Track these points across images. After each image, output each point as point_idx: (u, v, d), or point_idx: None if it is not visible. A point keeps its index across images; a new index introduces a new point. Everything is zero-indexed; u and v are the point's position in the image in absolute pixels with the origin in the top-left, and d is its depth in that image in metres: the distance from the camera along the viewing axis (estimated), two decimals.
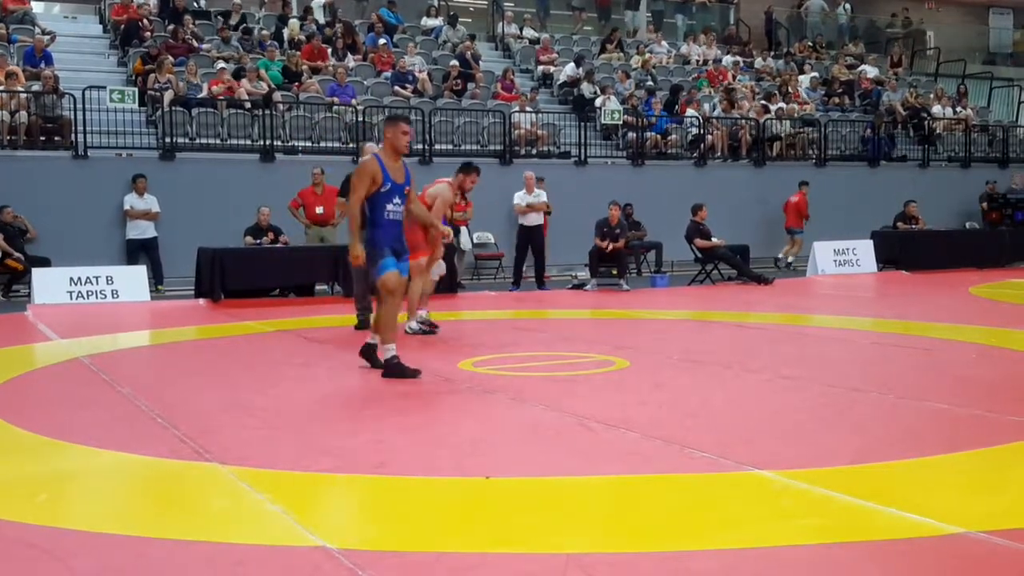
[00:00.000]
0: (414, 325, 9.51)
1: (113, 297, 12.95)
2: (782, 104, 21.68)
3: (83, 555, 3.72)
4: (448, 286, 13.88)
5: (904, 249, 17.71)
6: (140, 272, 13.62)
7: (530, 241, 14.88)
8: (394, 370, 7.21)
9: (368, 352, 7.58)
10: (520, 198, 15.00)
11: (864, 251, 17.48)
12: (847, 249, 17.41)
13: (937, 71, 27.19)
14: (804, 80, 23.64)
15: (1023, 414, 5.88)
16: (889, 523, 3.95)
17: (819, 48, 26.39)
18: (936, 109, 23.57)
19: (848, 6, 28.24)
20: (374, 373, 7.62)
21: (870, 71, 24.76)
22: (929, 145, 22.68)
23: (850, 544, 3.74)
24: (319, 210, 14.53)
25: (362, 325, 9.65)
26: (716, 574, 3.50)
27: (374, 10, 21.87)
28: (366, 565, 3.52)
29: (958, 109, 24.06)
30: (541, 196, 15.10)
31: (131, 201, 14.88)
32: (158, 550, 3.75)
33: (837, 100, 23.55)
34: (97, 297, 12.89)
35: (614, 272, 14.79)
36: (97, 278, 13.03)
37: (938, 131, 23.16)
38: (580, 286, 14.67)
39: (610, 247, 14.43)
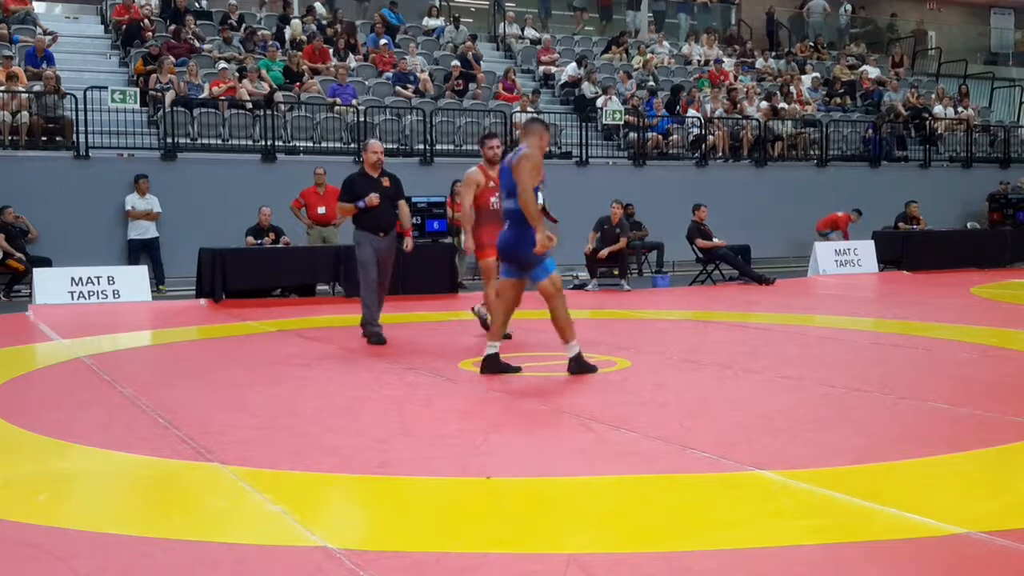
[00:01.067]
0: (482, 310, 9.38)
1: (114, 297, 12.96)
2: (784, 104, 21.68)
3: (84, 555, 3.72)
4: (449, 286, 13.91)
5: (905, 249, 17.71)
6: (141, 272, 13.63)
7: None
8: (494, 365, 7.27)
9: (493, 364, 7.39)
10: None
11: (865, 251, 17.48)
12: (848, 249, 17.42)
13: (939, 71, 27.20)
14: (806, 80, 23.64)
15: (1023, 415, 5.87)
16: (890, 523, 3.95)
17: (820, 48, 26.38)
18: (937, 109, 23.58)
19: (849, 6, 28.25)
20: (376, 373, 7.63)
21: (872, 71, 24.77)
22: (930, 145, 22.69)
23: (850, 544, 3.74)
24: (321, 210, 14.54)
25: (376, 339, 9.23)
26: (716, 574, 3.50)
27: (375, 10, 21.89)
28: (367, 565, 3.53)
29: (959, 109, 24.07)
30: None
31: (132, 201, 14.90)
32: (159, 550, 3.76)
33: (839, 100, 23.56)
34: (98, 297, 12.90)
35: (615, 272, 14.80)
36: (98, 278, 13.04)
37: (939, 131, 23.15)
38: (581, 286, 14.68)
39: (606, 253, 14.41)
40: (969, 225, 20.65)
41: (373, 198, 9.12)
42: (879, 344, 9.31)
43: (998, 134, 24.17)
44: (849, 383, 7.05)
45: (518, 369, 7.41)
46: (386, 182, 9.27)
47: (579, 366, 7.30)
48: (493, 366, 7.32)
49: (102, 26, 20.05)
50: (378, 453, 5.14)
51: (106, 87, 15.66)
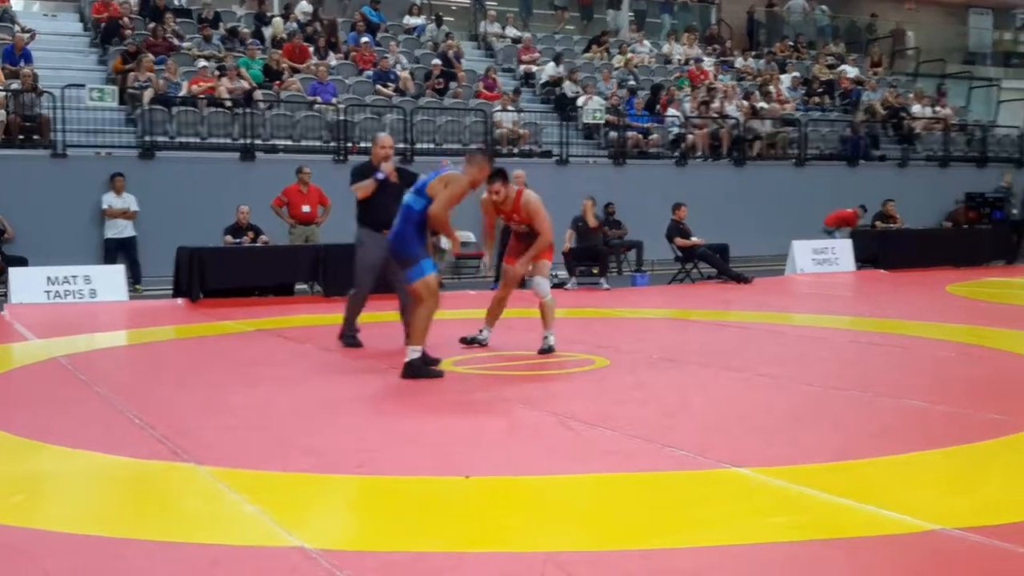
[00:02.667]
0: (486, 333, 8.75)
1: (91, 297, 12.87)
2: (763, 104, 21.75)
3: (58, 556, 3.69)
4: None
5: (882, 248, 17.81)
6: (118, 271, 13.53)
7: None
8: (415, 371, 7.16)
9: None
10: None
11: (843, 250, 17.56)
12: (826, 248, 17.49)
13: (917, 71, 27.37)
14: (785, 80, 23.73)
15: (999, 412, 5.92)
16: (866, 520, 3.97)
17: (800, 48, 26.49)
18: (916, 109, 23.72)
19: (825, 7, 28.38)
20: (354, 373, 7.62)
21: (850, 71, 24.88)
22: (908, 144, 22.82)
23: (827, 541, 3.76)
24: (305, 208, 14.46)
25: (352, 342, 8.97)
26: (694, 572, 3.52)
27: (356, 8, 21.83)
28: (344, 565, 3.52)
29: (937, 109, 24.21)
30: None
31: (109, 200, 14.79)
32: (134, 551, 3.73)
33: (817, 100, 23.65)
34: (74, 297, 12.81)
35: (595, 271, 14.81)
36: (75, 277, 12.94)
37: (917, 131, 23.29)
38: (560, 285, 14.68)
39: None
40: (945, 224, 20.79)
41: (388, 166, 8.65)
42: (856, 342, 9.36)
43: (975, 133, 24.34)
44: (826, 381, 7.08)
45: (440, 374, 7.26)
46: (394, 177, 8.72)
47: (413, 371, 7.15)
48: (415, 371, 7.17)
49: (81, 24, 19.89)
50: (356, 453, 5.13)
51: (84, 85, 15.54)
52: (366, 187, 8.63)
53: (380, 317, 9.81)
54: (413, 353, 7.22)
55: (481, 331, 8.71)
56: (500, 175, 8.30)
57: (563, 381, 7.39)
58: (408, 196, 7.44)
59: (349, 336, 8.93)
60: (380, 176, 8.61)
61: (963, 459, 4.96)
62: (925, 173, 22.36)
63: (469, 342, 8.69)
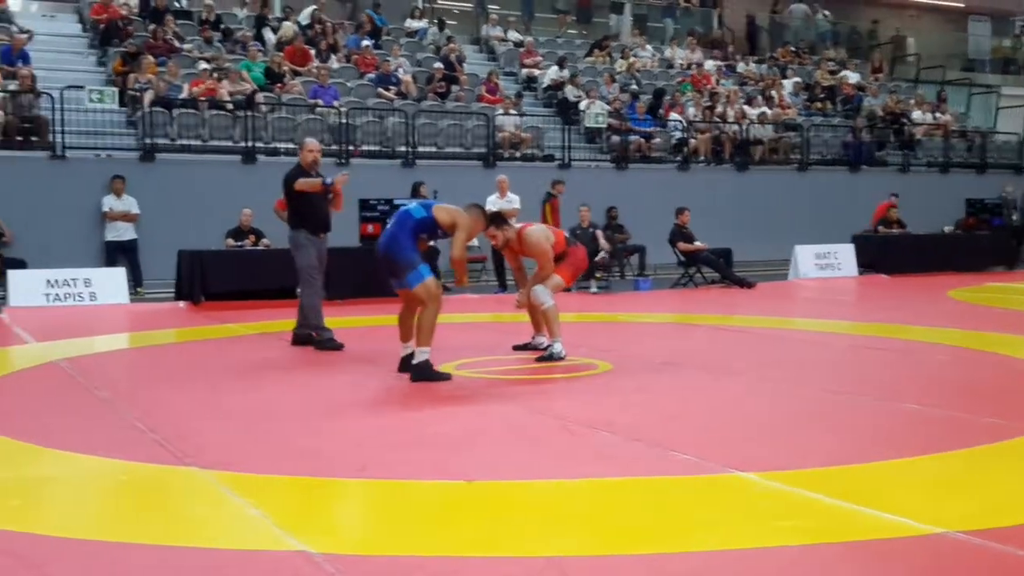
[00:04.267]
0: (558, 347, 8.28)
1: (91, 300, 12.85)
2: (765, 108, 21.76)
3: (59, 561, 3.68)
4: None
5: (884, 253, 17.81)
6: (119, 274, 13.51)
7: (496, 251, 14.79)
8: (424, 373, 7.18)
9: (408, 365, 7.45)
10: (492, 203, 14.72)
11: (845, 255, 17.57)
12: (828, 253, 17.49)
13: (917, 77, 27.38)
14: (787, 85, 23.74)
15: (999, 416, 5.92)
16: (867, 523, 3.96)
17: (801, 53, 26.51)
18: (916, 115, 23.73)
19: (826, 12, 28.39)
20: (355, 376, 7.61)
21: (852, 76, 24.89)
22: (909, 150, 22.83)
23: (828, 544, 3.75)
24: None
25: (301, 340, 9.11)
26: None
27: (359, 11, 21.84)
28: (347, 570, 3.51)
29: (937, 115, 24.22)
30: (514, 201, 14.99)
31: (109, 203, 14.78)
32: (136, 555, 3.72)
33: (819, 105, 23.66)
34: (74, 300, 12.79)
35: (596, 276, 14.81)
36: (75, 280, 12.92)
37: (918, 136, 23.30)
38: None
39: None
40: (946, 229, 20.77)
41: (342, 177, 9.00)
42: (857, 347, 9.35)
43: (975, 140, 24.34)
44: (827, 385, 7.08)
45: (448, 376, 7.28)
46: (340, 186, 9.13)
47: (422, 373, 7.18)
48: (424, 374, 7.19)
49: (80, 25, 19.89)
50: (358, 456, 5.12)
51: (83, 86, 15.53)
52: (314, 184, 8.85)
53: (374, 321, 9.80)
54: (421, 355, 7.23)
55: (534, 337, 8.70)
56: (492, 221, 8.36)
57: (565, 385, 7.38)
58: (408, 204, 7.53)
59: (327, 339, 8.98)
60: (328, 182, 8.86)
61: (964, 462, 4.96)
62: (926, 179, 22.37)
63: (523, 347, 8.72)
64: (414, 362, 7.28)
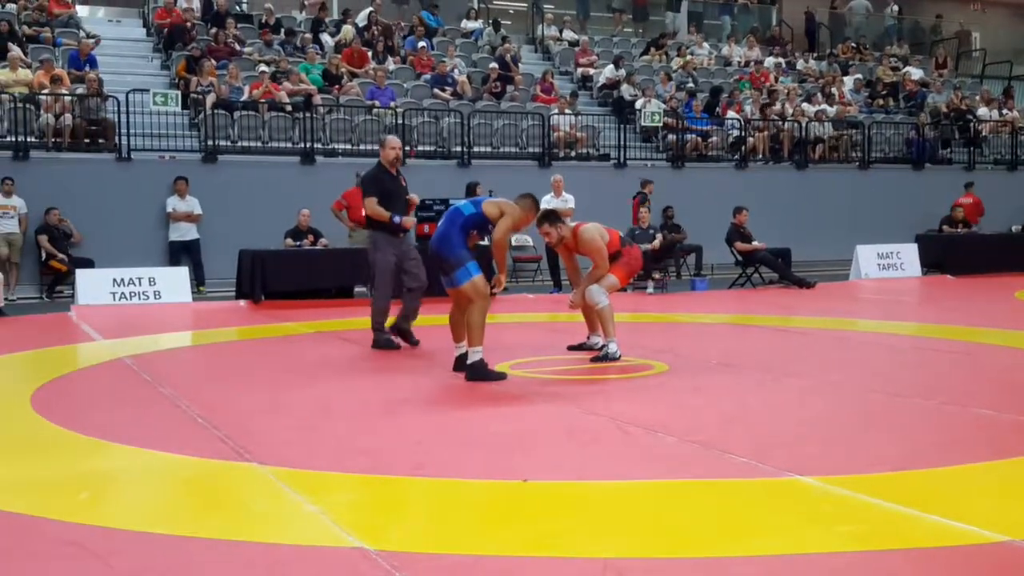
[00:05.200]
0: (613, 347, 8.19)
1: (155, 298, 13.09)
2: (825, 106, 21.48)
3: (122, 553, 3.75)
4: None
5: (949, 253, 17.48)
6: (182, 273, 13.75)
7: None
8: (479, 372, 7.22)
9: (462, 364, 7.52)
10: (547, 202, 14.69)
11: (908, 255, 17.27)
12: (891, 253, 17.21)
13: (983, 72, 26.84)
14: (848, 82, 23.42)
15: None
16: (931, 530, 3.89)
17: (863, 49, 26.13)
18: (982, 111, 23.26)
19: (895, 7, 27.95)
20: (412, 375, 7.66)
21: (915, 72, 24.48)
22: (975, 148, 22.39)
23: (891, 551, 3.68)
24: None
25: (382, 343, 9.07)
26: None
27: (414, 13, 21.97)
28: (403, 566, 3.53)
29: (1004, 111, 23.72)
30: (569, 201, 14.96)
31: (173, 203, 15.05)
32: (196, 549, 3.78)
33: (881, 102, 23.31)
34: (139, 298, 13.03)
35: (653, 276, 14.73)
36: (140, 279, 13.17)
37: (984, 133, 22.84)
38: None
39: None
40: (1014, 228, 20.35)
41: (407, 222, 8.98)
42: (921, 349, 9.20)
43: None
44: (890, 388, 6.96)
45: (503, 376, 7.30)
46: (402, 180, 9.10)
47: (477, 373, 7.20)
48: (479, 373, 7.22)
49: (144, 29, 20.28)
50: (414, 455, 5.15)
51: (148, 90, 15.82)
52: (382, 215, 8.80)
53: (433, 320, 9.84)
54: (475, 355, 7.25)
55: (589, 337, 8.67)
56: (545, 218, 8.30)
57: (621, 385, 7.35)
58: (459, 202, 7.55)
59: (384, 339, 9.01)
60: (396, 220, 8.82)
61: None
62: (992, 177, 21.93)
63: (577, 348, 8.71)
64: (468, 361, 7.30)
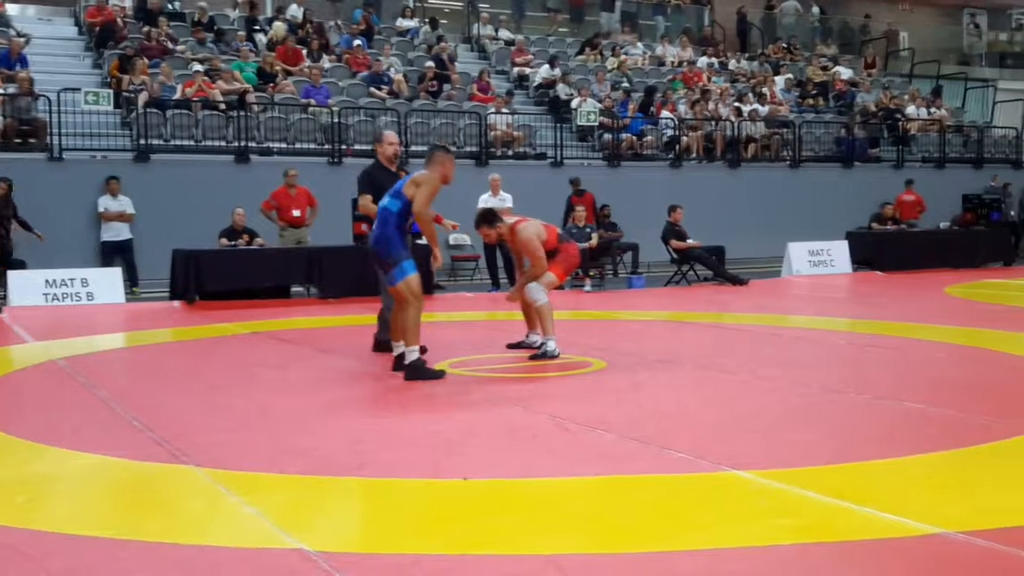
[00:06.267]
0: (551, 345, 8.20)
1: (88, 299, 12.85)
2: (756, 106, 21.77)
3: (58, 556, 3.70)
4: (425, 288, 13.85)
5: (878, 250, 17.82)
6: (115, 274, 13.51)
7: (499, 243, 14.77)
8: (417, 372, 7.19)
9: (401, 363, 7.45)
10: (484, 201, 14.67)
11: (839, 252, 17.57)
12: (822, 250, 17.49)
13: (911, 72, 27.40)
14: (779, 81, 23.76)
15: (997, 415, 5.92)
16: (865, 523, 3.97)
17: (793, 49, 26.53)
18: (910, 110, 23.75)
19: (816, 8, 28.40)
20: (352, 375, 7.62)
21: (844, 72, 24.91)
22: (903, 146, 22.86)
23: (826, 544, 3.76)
24: (295, 212, 14.45)
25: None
26: (692, 574, 3.52)
27: (348, 11, 21.85)
28: (343, 568, 3.52)
29: (932, 110, 24.25)
30: (506, 200, 14.97)
31: (105, 203, 14.79)
32: (133, 552, 3.73)
33: (811, 101, 23.69)
34: (72, 299, 12.78)
35: (591, 274, 14.82)
36: (72, 280, 12.92)
37: (912, 132, 23.33)
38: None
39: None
40: (942, 225, 20.82)
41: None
42: (853, 344, 9.37)
43: (971, 135, 24.38)
44: (824, 383, 7.09)
45: (442, 374, 7.28)
46: (402, 175, 8.58)
47: (415, 372, 7.19)
48: (417, 372, 7.20)
49: (75, 28, 19.89)
50: (355, 455, 5.13)
51: (79, 89, 15.54)
52: (373, 214, 8.38)
53: (370, 320, 9.79)
54: (411, 354, 7.24)
55: (528, 335, 8.67)
56: (483, 218, 8.37)
57: (560, 383, 7.39)
58: (385, 199, 7.48)
59: (383, 340, 8.81)
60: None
61: (962, 462, 4.96)
62: (921, 174, 22.40)
63: (516, 346, 8.69)
64: (405, 361, 7.28)
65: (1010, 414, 5.91)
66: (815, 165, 21.63)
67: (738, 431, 5.66)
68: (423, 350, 7.49)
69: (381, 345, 8.50)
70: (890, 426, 5.76)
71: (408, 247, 7.39)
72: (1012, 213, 22.22)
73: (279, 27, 19.62)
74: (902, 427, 5.74)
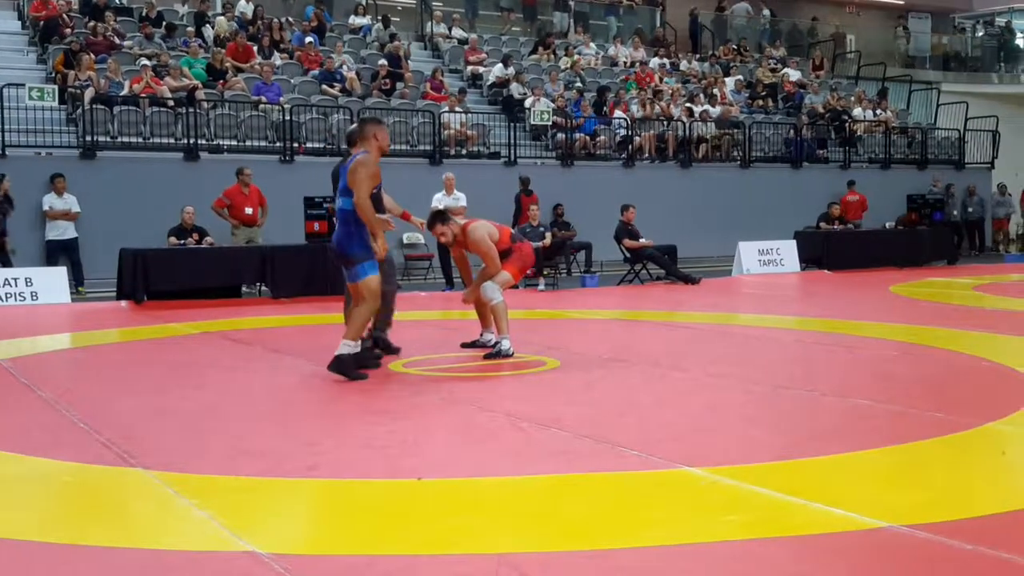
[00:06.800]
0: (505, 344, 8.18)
1: (32, 299, 12.65)
2: (707, 106, 21.95)
3: (4, 564, 3.62)
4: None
5: (827, 249, 18.08)
6: (60, 273, 13.31)
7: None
8: (343, 366, 7.14)
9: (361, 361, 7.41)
10: (438, 200, 14.65)
11: (787, 251, 17.80)
12: (771, 249, 17.70)
13: (858, 74, 27.78)
14: (729, 83, 23.97)
15: (943, 410, 6.03)
16: (813, 517, 4.02)
17: (743, 51, 26.78)
18: (857, 112, 24.09)
19: (767, 11, 28.70)
20: (304, 375, 7.57)
21: (792, 74, 25.19)
22: (850, 147, 23.18)
23: (776, 539, 3.80)
24: (248, 210, 14.33)
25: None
26: (646, 571, 3.54)
27: (300, 8, 21.68)
28: (297, 570, 3.49)
29: (878, 112, 24.61)
30: (460, 199, 14.96)
31: (50, 201, 14.53)
32: (81, 557, 3.68)
33: (761, 102, 23.93)
34: (16, 299, 12.57)
35: (544, 273, 14.86)
36: (16, 280, 12.71)
37: (859, 133, 23.66)
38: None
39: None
40: (888, 225, 21.15)
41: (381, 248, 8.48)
42: (801, 342, 9.49)
43: (915, 136, 24.78)
44: (773, 380, 7.17)
45: (365, 376, 7.23)
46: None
47: (341, 366, 7.15)
48: (341, 366, 7.17)
49: (19, 22, 19.52)
50: (307, 456, 5.09)
51: (23, 84, 15.26)
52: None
53: (323, 319, 9.75)
54: (345, 348, 7.20)
55: (482, 334, 8.63)
56: (436, 218, 8.33)
57: (514, 382, 7.40)
58: (339, 200, 7.42)
59: (381, 338, 8.73)
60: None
61: (908, 456, 5.05)
62: (867, 175, 22.74)
63: (471, 345, 8.64)
64: (337, 352, 7.21)
65: (954, 410, 6.01)
66: (765, 165, 21.86)
67: (689, 428, 5.70)
68: (396, 350, 7.45)
69: (379, 342, 8.43)
70: (839, 422, 5.85)
71: (370, 247, 7.29)
72: (955, 213, 22.64)
73: (222, 22, 19.41)
74: (850, 423, 5.82)
